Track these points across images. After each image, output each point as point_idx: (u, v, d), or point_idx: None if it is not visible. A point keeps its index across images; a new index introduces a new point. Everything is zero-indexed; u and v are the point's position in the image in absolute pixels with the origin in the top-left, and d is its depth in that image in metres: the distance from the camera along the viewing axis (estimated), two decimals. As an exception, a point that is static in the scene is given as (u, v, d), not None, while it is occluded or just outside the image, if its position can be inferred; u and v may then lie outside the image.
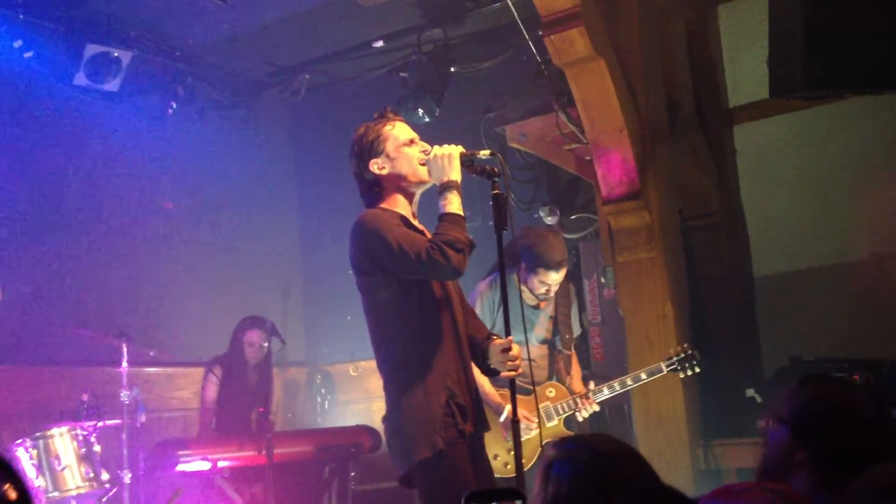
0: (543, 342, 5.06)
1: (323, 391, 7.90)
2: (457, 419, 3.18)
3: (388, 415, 3.29)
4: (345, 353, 7.58)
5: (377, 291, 3.28)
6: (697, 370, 4.80)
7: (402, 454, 3.20)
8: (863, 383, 2.32)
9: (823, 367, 5.07)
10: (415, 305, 3.24)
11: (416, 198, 3.44)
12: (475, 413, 3.31)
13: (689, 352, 4.78)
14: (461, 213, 3.22)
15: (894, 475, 1.69)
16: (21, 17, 5.99)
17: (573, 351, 5.17)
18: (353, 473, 5.86)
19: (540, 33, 5.31)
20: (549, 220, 6.37)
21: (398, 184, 3.37)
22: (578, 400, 4.78)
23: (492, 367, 3.40)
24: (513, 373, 3.25)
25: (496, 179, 3.25)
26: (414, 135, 3.43)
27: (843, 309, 5.78)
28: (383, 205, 3.37)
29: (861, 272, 5.85)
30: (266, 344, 6.25)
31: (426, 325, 3.26)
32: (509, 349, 3.26)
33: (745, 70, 6.16)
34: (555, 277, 4.82)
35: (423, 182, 3.37)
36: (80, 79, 6.24)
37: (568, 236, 6.72)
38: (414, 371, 3.21)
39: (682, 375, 4.81)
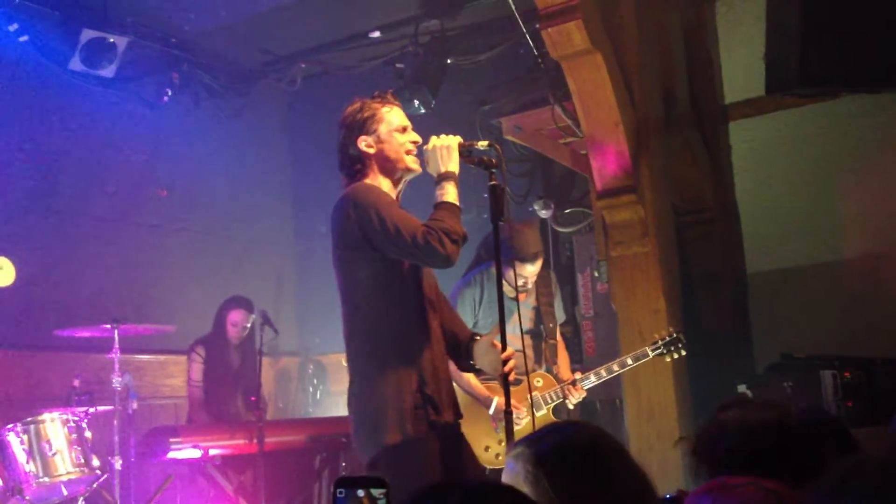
0: (527, 332, 5.07)
1: (315, 381, 7.91)
2: (428, 411, 3.12)
3: (358, 396, 3.21)
4: (337, 343, 7.39)
5: (358, 268, 3.23)
6: (683, 353, 4.82)
7: (371, 438, 3.12)
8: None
9: (814, 364, 5.10)
10: (395, 286, 3.20)
11: (401, 186, 3.39)
12: (450, 403, 3.27)
13: (674, 335, 4.80)
14: (458, 203, 3.20)
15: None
16: (17, 0, 5.95)
17: (558, 339, 5.18)
18: (343, 463, 5.87)
19: (537, 26, 5.31)
20: (544, 214, 6.38)
21: (383, 165, 3.32)
22: (566, 387, 4.80)
23: (477, 366, 3.36)
24: (512, 374, 3.21)
25: (493, 170, 3.24)
26: (408, 123, 3.39)
27: (836, 306, 5.80)
28: (366, 181, 3.31)
29: (853, 270, 5.87)
30: (248, 325, 6.27)
31: (403, 306, 3.21)
32: (500, 349, 3.20)
33: (742, 66, 6.16)
34: (531, 270, 4.87)
35: (408, 169, 3.33)
36: (76, 64, 6.19)
37: (562, 230, 6.73)
38: (387, 351, 3.17)
39: (667, 359, 4.82)
